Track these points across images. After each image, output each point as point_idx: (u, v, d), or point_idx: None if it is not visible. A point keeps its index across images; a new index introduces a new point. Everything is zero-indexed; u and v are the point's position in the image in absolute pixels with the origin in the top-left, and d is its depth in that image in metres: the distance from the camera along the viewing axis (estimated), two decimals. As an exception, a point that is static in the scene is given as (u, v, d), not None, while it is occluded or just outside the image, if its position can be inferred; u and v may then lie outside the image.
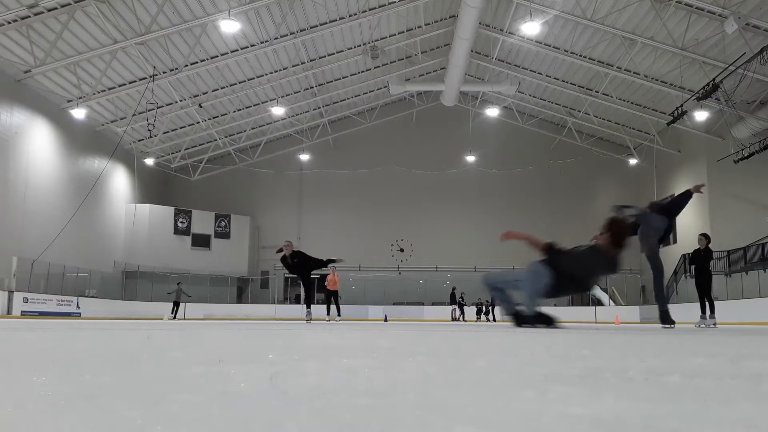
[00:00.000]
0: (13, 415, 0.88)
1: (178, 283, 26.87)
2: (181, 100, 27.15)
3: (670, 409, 0.92)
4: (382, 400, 1.01)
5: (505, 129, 35.30)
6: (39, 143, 24.41)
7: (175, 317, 25.32)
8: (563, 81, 29.21)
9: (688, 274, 26.25)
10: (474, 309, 29.34)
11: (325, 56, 27.61)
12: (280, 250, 13.66)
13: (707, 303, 11.25)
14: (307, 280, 14.55)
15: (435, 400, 1.01)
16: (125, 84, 25.15)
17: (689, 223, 29.37)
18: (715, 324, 10.94)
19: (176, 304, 25.86)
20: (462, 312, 28.77)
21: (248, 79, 27.81)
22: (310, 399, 1.00)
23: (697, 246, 11.56)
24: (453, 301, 28.98)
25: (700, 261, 11.44)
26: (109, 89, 25.13)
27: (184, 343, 3.13)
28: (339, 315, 16.74)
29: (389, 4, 24.17)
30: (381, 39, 26.87)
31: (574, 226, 29.65)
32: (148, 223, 32.69)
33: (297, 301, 32.30)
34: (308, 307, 14.29)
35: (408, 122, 36.23)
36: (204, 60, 24.91)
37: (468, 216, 35.59)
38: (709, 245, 11.50)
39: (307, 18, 24.08)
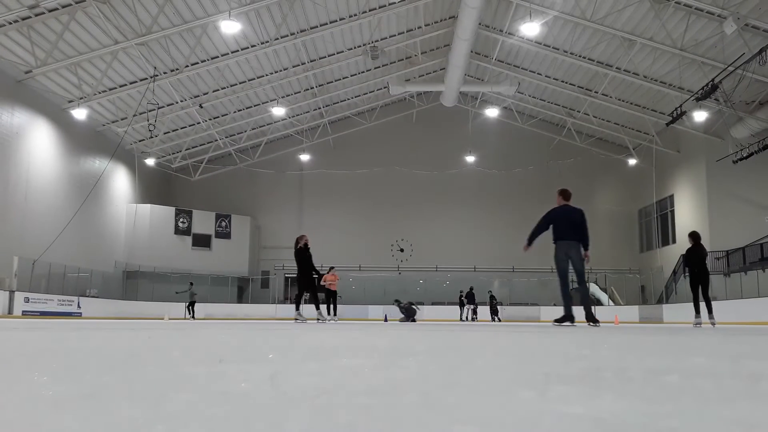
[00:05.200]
0: (14, 415, 0.88)
1: (191, 283, 27.09)
2: (181, 101, 27.15)
3: (670, 409, 0.92)
4: (382, 400, 1.01)
5: (505, 129, 35.30)
6: (40, 143, 24.42)
7: (192, 317, 25.64)
8: (563, 81, 29.19)
9: (685, 273, 26.32)
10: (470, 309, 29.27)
11: (325, 57, 27.61)
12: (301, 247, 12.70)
13: (705, 302, 10.96)
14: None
15: (435, 400, 1.02)
16: (126, 84, 25.16)
17: (688, 224, 29.40)
18: (713, 324, 10.75)
19: (191, 304, 26.18)
20: (475, 312, 28.70)
21: (248, 80, 27.81)
22: (310, 399, 1.00)
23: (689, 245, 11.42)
24: (471, 300, 28.86)
25: (692, 260, 11.20)
26: (110, 89, 25.13)
27: (184, 343, 3.13)
28: (335, 315, 16.69)
29: (389, 4, 24.16)
30: (381, 39, 26.86)
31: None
32: (148, 223, 32.70)
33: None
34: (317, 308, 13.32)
35: (408, 122, 36.22)
36: (204, 60, 24.91)
37: (468, 216, 35.58)
38: (700, 243, 11.21)
39: (308, 18, 24.08)
